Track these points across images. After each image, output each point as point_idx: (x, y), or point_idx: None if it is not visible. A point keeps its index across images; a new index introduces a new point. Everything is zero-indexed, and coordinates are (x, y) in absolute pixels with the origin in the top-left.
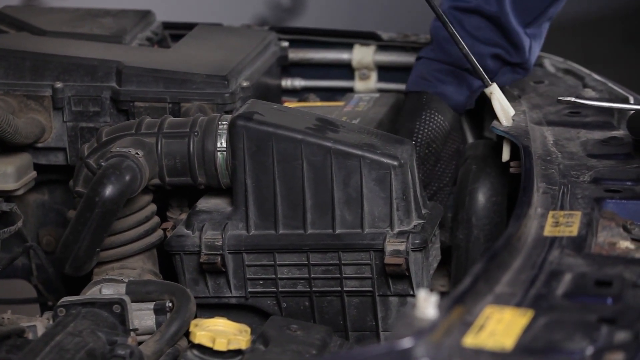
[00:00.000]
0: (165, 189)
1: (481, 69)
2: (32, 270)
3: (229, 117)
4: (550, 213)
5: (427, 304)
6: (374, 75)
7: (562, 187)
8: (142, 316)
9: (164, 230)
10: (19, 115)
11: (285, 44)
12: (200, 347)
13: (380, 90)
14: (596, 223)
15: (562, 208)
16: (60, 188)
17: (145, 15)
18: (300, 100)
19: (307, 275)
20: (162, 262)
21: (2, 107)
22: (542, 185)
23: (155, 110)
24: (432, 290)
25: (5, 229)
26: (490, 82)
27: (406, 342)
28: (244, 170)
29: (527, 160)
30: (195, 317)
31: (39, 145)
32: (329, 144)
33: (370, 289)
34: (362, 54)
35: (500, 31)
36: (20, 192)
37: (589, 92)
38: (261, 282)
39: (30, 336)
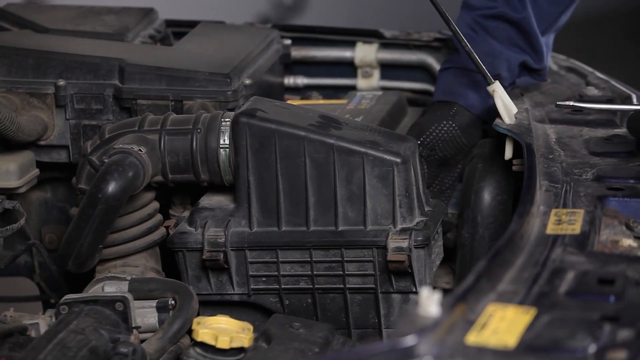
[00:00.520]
0: (168, 186)
1: (483, 66)
2: (34, 267)
3: (232, 114)
4: (553, 211)
5: (429, 302)
6: (376, 73)
7: (565, 185)
8: (145, 314)
9: (167, 227)
10: (21, 112)
11: (288, 41)
12: (203, 345)
13: (383, 88)
14: (599, 221)
15: (564, 206)
16: (62, 185)
17: (148, 13)
18: (302, 98)
19: (309, 273)
20: (165, 260)
21: (5, 104)
22: (544, 183)
23: (158, 108)
24: (435, 287)
25: (8, 227)
26: (492, 80)
27: (409, 340)
28: (247, 167)
29: (530, 158)
30: (198, 314)
31: (42, 142)
32: (331, 141)
33: (373, 286)
34: (364, 52)
35: (524, 36)
36: (22, 190)
37: (592, 90)
38: (264, 279)
39: (32, 334)
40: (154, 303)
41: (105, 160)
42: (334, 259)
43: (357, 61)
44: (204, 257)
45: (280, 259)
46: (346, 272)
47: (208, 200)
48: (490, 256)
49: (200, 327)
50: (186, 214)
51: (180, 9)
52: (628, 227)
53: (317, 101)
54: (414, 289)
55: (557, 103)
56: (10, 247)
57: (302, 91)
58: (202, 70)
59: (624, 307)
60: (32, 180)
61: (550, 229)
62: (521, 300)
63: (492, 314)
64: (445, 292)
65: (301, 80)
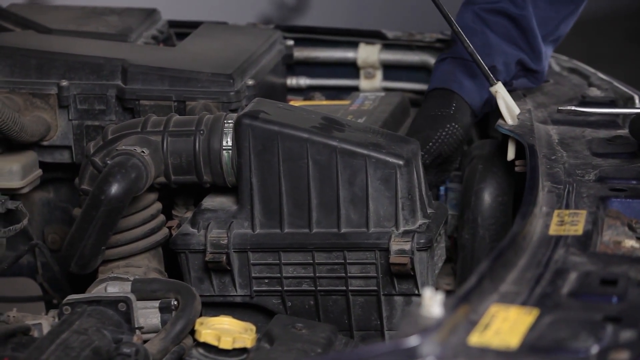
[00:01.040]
0: (170, 187)
1: (486, 67)
2: (37, 268)
3: (234, 115)
4: (556, 212)
5: (432, 303)
6: (379, 74)
7: (568, 185)
8: (148, 314)
9: (170, 228)
10: (24, 113)
11: (291, 42)
12: (206, 346)
13: (386, 89)
14: (601, 222)
15: (567, 207)
16: (65, 186)
17: (150, 14)
18: (305, 99)
19: (312, 274)
20: (168, 261)
21: (8, 105)
22: (547, 184)
23: (161, 109)
24: (437, 289)
25: (11, 227)
26: (495, 81)
27: (412, 341)
28: (250, 169)
29: (533, 159)
30: (201, 315)
31: (45, 143)
32: (334, 143)
33: (375, 288)
34: (367, 53)
35: (523, 34)
36: (25, 190)
37: (594, 91)
38: (266, 280)
39: (35, 334)
40: (156, 304)
41: (108, 161)
42: (336, 261)
43: (359, 62)
44: (206, 258)
45: (282, 261)
46: (349, 274)
47: (211, 202)
48: (493, 257)
49: (203, 328)
50: (189, 215)
51: (183, 10)
52: (630, 228)
53: (320, 102)
54: (416, 292)
55: (558, 108)
56: (13, 247)
57: (304, 92)
58: (204, 70)
59: (627, 307)
60: (35, 180)
61: (553, 230)
62: (524, 301)
63: (494, 315)
64: (447, 293)
65: (304, 81)
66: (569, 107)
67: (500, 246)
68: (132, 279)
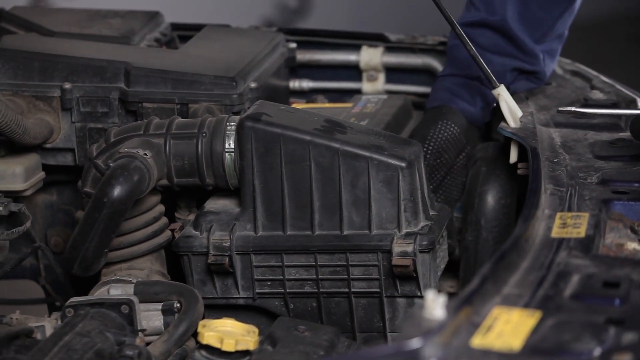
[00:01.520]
0: (173, 189)
1: (489, 70)
2: (40, 270)
3: (237, 118)
4: (558, 214)
5: (435, 305)
6: (381, 77)
7: (570, 188)
8: (150, 317)
9: (172, 231)
10: (27, 115)
11: (293, 45)
12: (208, 348)
13: (388, 92)
14: (604, 224)
15: (569, 209)
16: (68, 189)
17: (153, 17)
18: (308, 102)
19: (314, 277)
20: (170, 263)
21: (11, 107)
22: (549, 187)
23: (164, 111)
24: (440, 291)
25: (14, 230)
26: (497, 84)
27: (415, 343)
28: (252, 171)
29: (535, 161)
30: (203, 317)
31: (48, 145)
32: (336, 145)
33: (378, 290)
34: (369, 56)
35: (508, 40)
36: (28, 193)
37: (597, 94)
38: (269, 283)
39: (38, 336)
40: (159, 306)
41: (111, 164)
42: (338, 263)
43: (362, 65)
44: (209, 261)
45: (285, 263)
46: (351, 276)
47: (213, 204)
48: (496, 259)
49: (205, 330)
50: (191, 217)
51: (186, 13)
52: (633, 230)
53: (323, 105)
54: (418, 293)
55: (559, 109)
56: (16, 249)
57: (307, 95)
58: (207, 73)
59: (629, 310)
60: (38, 183)
61: (555, 233)
62: (526, 303)
63: (497, 317)
64: (450, 295)
65: (306, 84)
66: (569, 109)
67: (502, 248)
68: (134, 281)
